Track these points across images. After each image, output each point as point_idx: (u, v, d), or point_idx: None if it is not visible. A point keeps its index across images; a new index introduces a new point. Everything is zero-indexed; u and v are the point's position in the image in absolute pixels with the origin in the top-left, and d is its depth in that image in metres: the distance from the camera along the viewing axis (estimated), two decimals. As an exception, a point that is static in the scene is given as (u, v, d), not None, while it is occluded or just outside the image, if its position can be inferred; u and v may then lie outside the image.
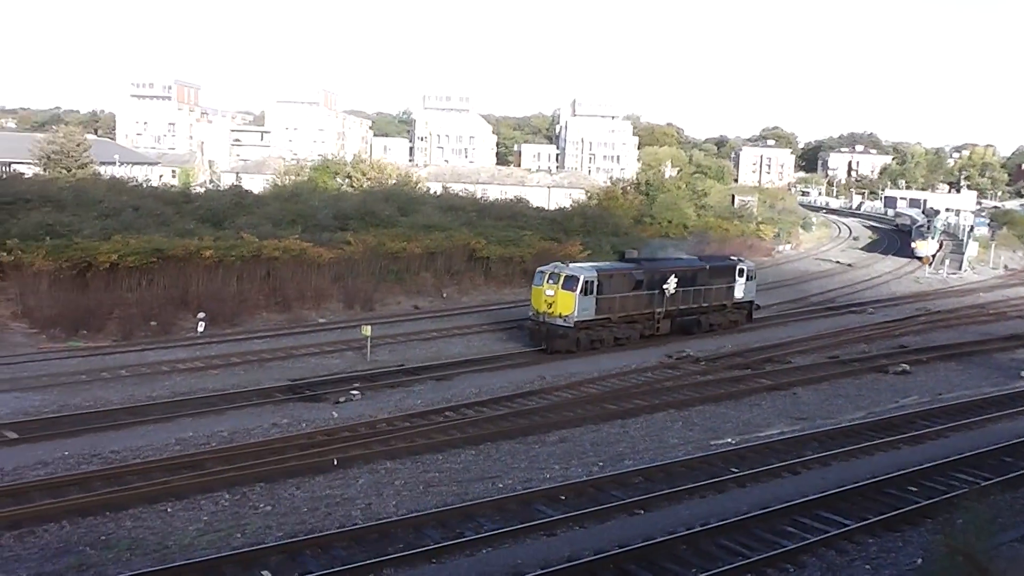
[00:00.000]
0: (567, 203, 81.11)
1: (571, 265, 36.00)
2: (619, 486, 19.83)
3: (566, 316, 33.93)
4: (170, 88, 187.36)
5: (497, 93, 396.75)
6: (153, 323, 36.41)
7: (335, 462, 20.93)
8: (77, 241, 37.79)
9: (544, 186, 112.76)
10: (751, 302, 42.42)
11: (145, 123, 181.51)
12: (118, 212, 44.19)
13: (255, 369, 30.93)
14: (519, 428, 24.61)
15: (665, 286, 37.08)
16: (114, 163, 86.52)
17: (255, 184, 79.76)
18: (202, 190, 68.83)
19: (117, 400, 26.23)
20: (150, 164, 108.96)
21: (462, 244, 49.89)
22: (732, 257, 44.08)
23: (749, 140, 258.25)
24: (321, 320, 40.76)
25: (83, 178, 60.71)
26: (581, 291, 33.84)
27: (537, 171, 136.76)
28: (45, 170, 68.72)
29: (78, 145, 74.64)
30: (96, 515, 17.56)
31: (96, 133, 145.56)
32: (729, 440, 23.93)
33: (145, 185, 61.05)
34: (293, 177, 74.27)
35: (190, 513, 17.93)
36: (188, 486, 19.12)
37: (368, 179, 73.44)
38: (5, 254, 35.54)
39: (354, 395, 27.41)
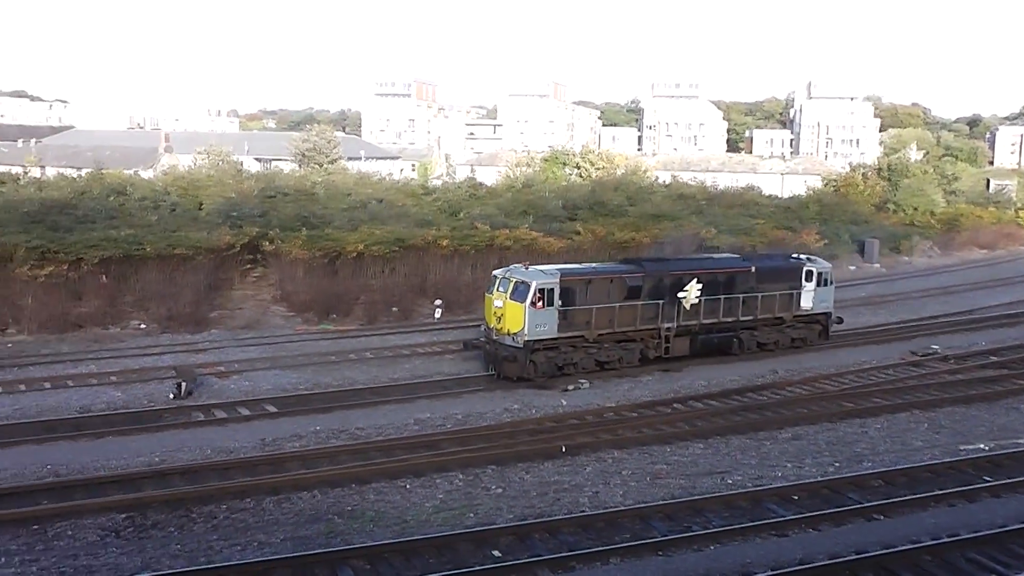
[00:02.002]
0: (801, 190, 77.95)
1: (527, 268, 28.33)
2: (856, 488, 18.89)
3: (515, 334, 27.19)
4: (410, 86, 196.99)
5: (728, 78, 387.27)
6: (395, 309, 38.57)
7: (563, 449, 21.30)
8: (328, 232, 40.61)
9: (777, 173, 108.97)
10: (827, 314, 33.60)
11: (388, 120, 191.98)
12: (364, 204, 47.06)
13: (487, 355, 32.00)
14: (750, 423, 24.01)
15: (681, 294, 29.73)
16: (360, 158, 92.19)
17: (488, 176, 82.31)
18: (439, 183, 71.89)
19: (363, 380, 28.04)
20: (392, 159, 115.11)
21: (692, 233, 49.13)
22: (798, 256, 34.91)
23: (1007, 119, 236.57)
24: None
25: (333, 172, 65.06)
26: (533, 302, 26.88)
27: (769, 157, 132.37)
28: (300, 166, 74.28)
29: (329, 142, 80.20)
30: (343, 487, 18.86)
31: (344, 131, 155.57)
32: (981, 446, 22.15)
33: (388, 178, 64.62)
34: (524, 168, 75.96)
35: (427, 490, 18.86)
36: (425, 464, 20.13)
37: (597, 169, 73.89)
38: (268, 243, 38.80)
39: (582, 384, 27.75)
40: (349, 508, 17.82)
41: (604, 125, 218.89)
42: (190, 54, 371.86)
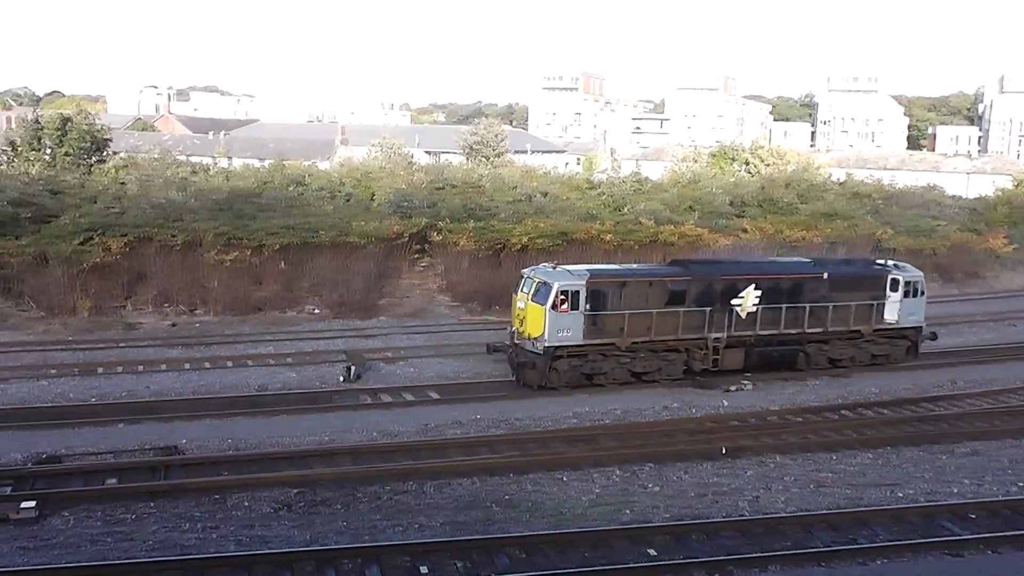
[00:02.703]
0: (989, 191, 73.09)
1: (554, 268, 26.74)
2: (1043, 511, 17.62)
3: (535, 339, 25.60)
4: (577, 80, 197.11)
5: (910, 71, 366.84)
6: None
7: (723, 450, 20.90)
8: (494, 224, 41.29)
9: (962, 172, 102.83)
10: (917, 328, 29.98)
11: (554, 113, 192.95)
12: (529, 197, 47.57)
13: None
14: (923, 435, 22.81)
15: (735, 301, 27.24)
16: (526, 151, 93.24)
17: (653, 171, 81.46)
18: (604, 177, 71.76)
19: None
20: (558, 152, 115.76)
21: (866, 234, 47.01)
22: (883, 263, 31.02)
23: None
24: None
25: (500, 165, 66.05)
26: (554, 304, 25.20)
27: (954, 156, 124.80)
28: (468, 159, 75.82)
29: (496, 136, 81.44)
30: (501, 476, 19.18)
31: (511, 124, 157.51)
32: None
33: (553, 172, 65.02)
34: (690, 164, 74.72)
35: (583, 484, 18.91)
36: (583, 458, 20.20)
37: (767, 165, 71.81)
38: (435, 234, 39.85)
39: (745, 385, 27.11)
40: (506, 497, 18.10)
41: (776, 120, 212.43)
42: (366, 51, 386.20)
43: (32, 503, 16.77)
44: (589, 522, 16.82)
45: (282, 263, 37.15)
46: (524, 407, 24.29)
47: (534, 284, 25.94)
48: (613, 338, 26.09)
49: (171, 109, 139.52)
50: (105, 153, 55.21)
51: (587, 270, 26.77)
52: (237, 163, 67.27)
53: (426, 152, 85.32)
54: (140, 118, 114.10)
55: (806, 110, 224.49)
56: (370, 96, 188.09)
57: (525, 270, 27.50)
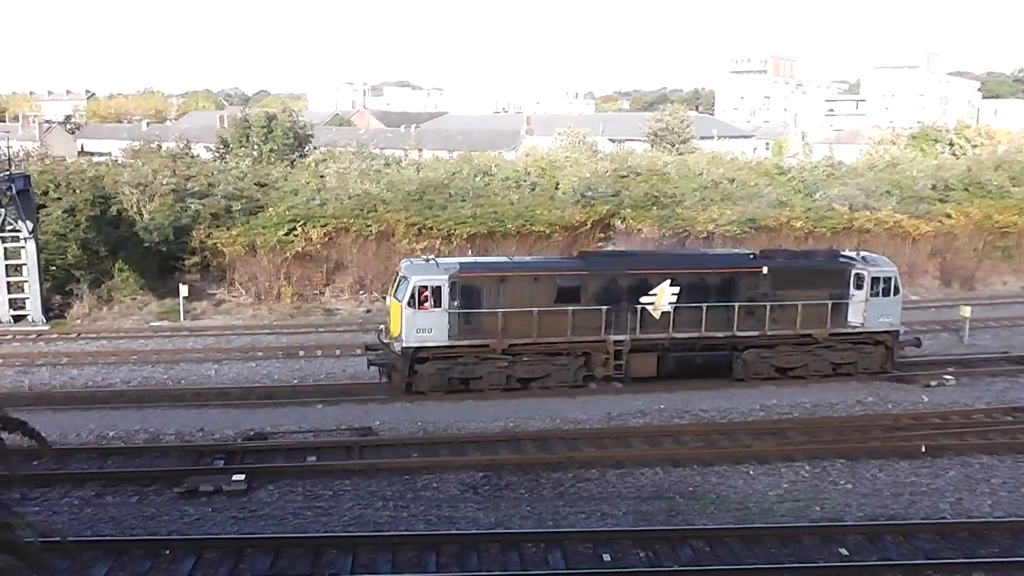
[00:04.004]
0: None
1: (427, 261, 24.58)
2: None
3: (395, 339, 23.59)
4: (766, 62, 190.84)
5: None
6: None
7: (923, 449, 19.78)
8: (679, 211, 40.74)
9: None
10: (893, 333, 25.57)
11: (742, 98, 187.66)
12: (715, 184, 46.56)
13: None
14: None
15: (645, 299, 24.29)
16: (712, 137, 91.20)
17: (847, 154, 77.78)
18: (794, 161, 69.21)
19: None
20: (745, 137, 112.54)
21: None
22: (848, 254, 26.67)
23: None
24: (914, 297, 38.55)
25: (685, 152, 64.99)
26: (411, 301, 23.07)
27: None
28: (652, 146, 75.00)
29: (681, 122, 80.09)
30: (685, 467, 18.96)
31: (697, 110, 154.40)
32: None
33: (740, 158, 63.32)
34: (888, 146, 70.81)
35: (771, 479, 18.41)
36: (770, 452, 19.66)
37: (974, 146, 67.01)
38: (619, 221, 39.73)
39: (947, 380, 25.50)
40: (691, 488, 17.88)
41: (984, 98, 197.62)
42: (551, 41, 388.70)
43: (242, 476, 18.07)
44: (777, 518, 16.39)
45: (469, 251, 37.98)
46: (710, 398, 23.86)
47: (398, 279, 24.15)
48: (487, 339, 23.56)
49: (366, 104, 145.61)
50: (306, 148, 58.47)
51: (458, 263, 24.50)
52: (427, 155, 69.42)
53: (610, 140, 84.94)
54: (337, 114, 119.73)
55: (1020, 86, 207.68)
56: (555, 85, 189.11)
57: (402, 262, 25.53)
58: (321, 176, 46.11)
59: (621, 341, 24.22)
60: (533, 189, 45.47)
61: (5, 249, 31.98)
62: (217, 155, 57.40)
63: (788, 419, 22.25)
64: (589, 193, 43.19)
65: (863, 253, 26.95)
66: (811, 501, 17.25)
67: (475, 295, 23.54)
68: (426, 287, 23.15)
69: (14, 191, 30.64)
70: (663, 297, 24.29)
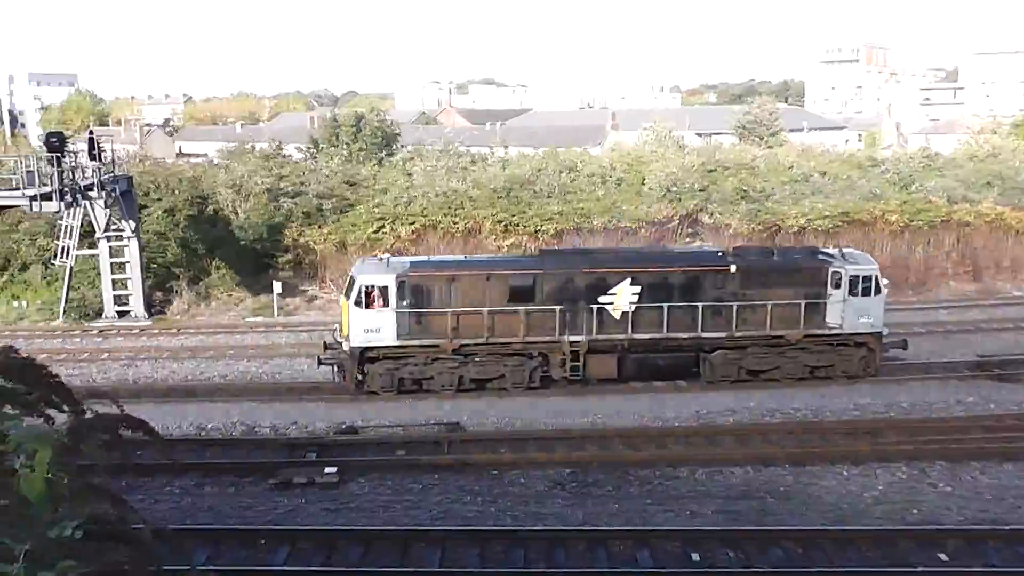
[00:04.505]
0: None
1: (380, 259, 24.62)
2: None
3: (345, 339, 23.59)
4: (859, 51, 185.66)
5: None
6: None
7: (1028, 451, 19.01)
8: (768, 205, 40.03)
9: None
10: (876, 335, 24.41)
11: (833, 88, 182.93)
12: (806, 177, 45.60)
13: (939, 340, 29.49)
14: None
15: (604, 299, 23.50)
16: (802, 129, 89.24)
17: (944, 145, 75.16)
18: (888, 153, 67.22)
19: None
20: (836, 129, 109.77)
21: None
22: (826, 252, 25.61)
23: None
24: (1017, 293, 37.12)
25: (774, 145, 63.77)
26: (358, 301, 23.01)
27: None
28: (740, 139, 73.82)
29: (770, 114, 78.65)
30: (776, 466, 18.62)
31: (786, 101, 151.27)
32: None
33: (832, 150, 61.82)
34: (988, 135, 68.18)
35: (866, 480, 17.95)
36: (865, 453, 19.15)
37: (1085, 133, 64.07)
38: (707, 216, 39.25)
39: (1055, 379, 24.48)
40: (781, 488, 17.57)
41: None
42: (636, 35, 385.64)
43: (334, 469, 18.46)
44: (872, 520, 15.98)
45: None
46: (801, 397, 23.39)
47: (349, 278, 24.00)
48: (438, 339, 23.30)
49: (452, 103, 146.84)
50: (394, 147, 59.28)
51: (409, 262, 24.37)
52: (512, 152, 69.67)
53: (697, 134, 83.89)
54: (424, 112, 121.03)
55: None
56: (640, 80, 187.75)
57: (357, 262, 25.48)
58: (409, 174, 46.75)
59: (577, 342, 23.64)
60: (619, 185, 45.25)
61: (110, 248, 33.29)
62: (308, 155, 58.65)
63: (884, 419, 21.64)
64: (675, 188, 42.77)
65: (844, 250, 25.68)
66: (908, 504, 16.75)
67: (424, 295, 23.34)
68: (373, 287, 23.08)
69: (118, 192, 31.90)
70: (623, 296, 23.57)
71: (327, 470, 18.44)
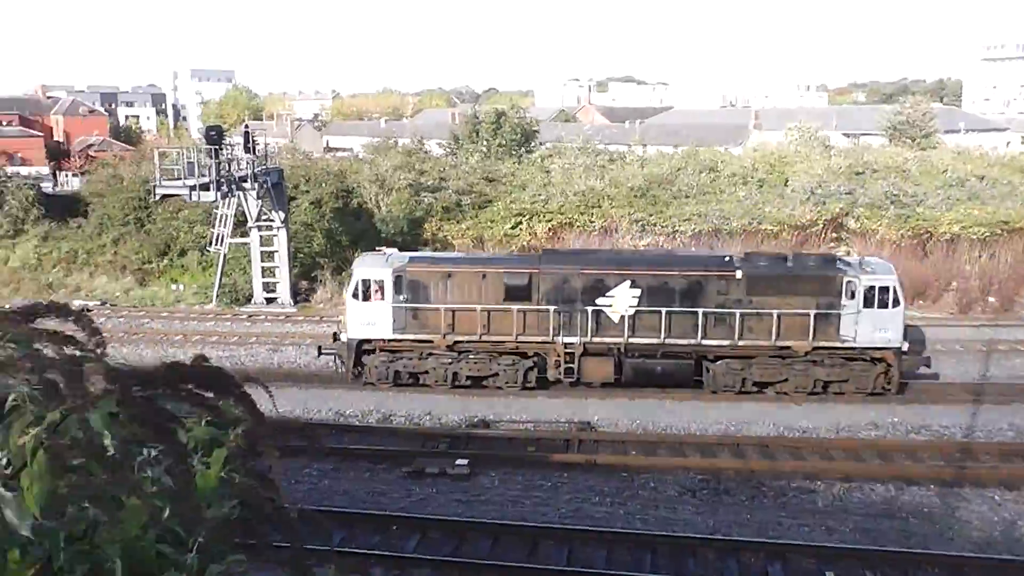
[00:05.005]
0: None
1: (382, 253, 24.68)
2: None
3: (345, 331, 23.92)
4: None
5: None
6: (991, 299, 34.98)
7: None
8: (920, 211, 38.24)
9: None
10: (896, 351, 22.63)
11: (994, 87, 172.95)
12: (962, 182, 43.32)
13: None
14: None
15: (602, 301, 22.78)
16: (959, 131, 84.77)
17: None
18: (1056, 157, 63.07)
19: (950, 374, 25.82)
20: (998, 130, 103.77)
21: None
22: (844, 260, 24.46)
23: None
24: None
25: (928, 147, 60.88)
26: (356, 294, 23.41)
27: None
28: (891, 141, 70.73)
29: (924, 115, 74.95)
30: (922, 486, 17.78)
31: (942, 101, 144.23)
32: None
33: (992, 153, 58.52)
34: None
35: (1021, 507, 16.93)
36: (1021, 477, 18.06)
37: None
38: (853, 221, 37.85)
39: None
40: (926, 510, 16.77)
41: None
42: (781, 31, 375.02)
43: (465, 461, 18.75)
44: (1025, 549, 15.05)
45: (692, 249, 37.44)
46: (950, 414, 22.24)
47: (351, 272, 24.53)
48: (432, 335, 23.34)
49: (591, 100, 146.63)
50: (533, 143, 59.64)
51: (409, 257, 24.58)
52: (651, 150, 69.01)
53: (844, 135, 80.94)
54: (563, 110, 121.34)
55: None
56: (785, 78, 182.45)
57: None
58: (547, 171, 46.95)
59: (572, 344, 23.19)
60: (761, 186, 44.15)
61: (261, 237, 34.77)
62: (448, 151, 59.71)
63: (1043, 442, 20.36)
64: (820, 191, 41.39)
65: (863, 259, 24.46)
66: (1068, 534, 15.73)
67: (420, 289, 23.48)
68: (369, 280, 23.38)
69: (270, 184, 33.27)
70: (621, 299, 22.97)
71: (458, 462, 18.74)
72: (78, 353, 2.32)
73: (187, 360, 2.16)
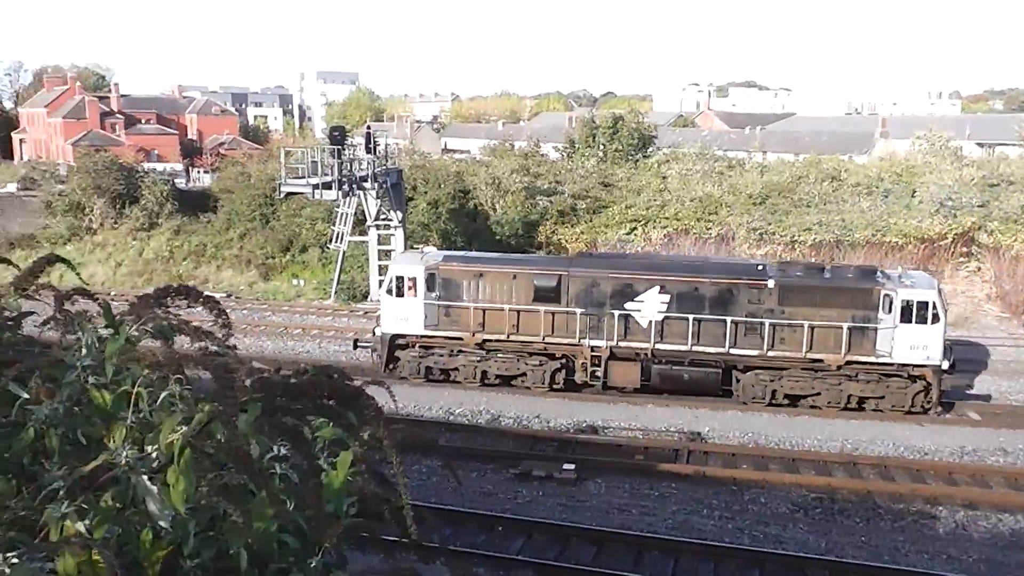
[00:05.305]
0: None
1: (410, 252, 25.97)
2: None
3: (379, 325, 24.63)
4: None
5: None
6: None
7: None
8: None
9: None
10: (935, 369, 21.51)
11: None
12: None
13: None
14: None
15: (631, 305, 22.59)
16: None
17: None
18: None
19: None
20: None
21: None
22: (883, 272, 23.16)
23: None
24: None
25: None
26: (389, 289, 24.19)
27: None
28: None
29: (1068, 124, 70.91)
30: (1054, 517, 16.85)
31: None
32: None
33: None
34: None
35: None
36: None
37: None
38: (986, 236, 36.16)
39: None
40: (1059, 544, 15.87)
41: None
42: (912, 35, 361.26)
43: (572, 466, 18.72)
44: None
45: (812, 259, 36.47)
46: (1088, 442, 20.97)
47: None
48: (461, 332, 23.79)
49: (710, 105, 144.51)
50: (650, 149, 59.13)
51: (441, 255, 24.98)
52: (771, 157, 67.48)
53: (977, 144, 77.45)
54: (682, 115, 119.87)
55: None
56: (915, 84, 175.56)
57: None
58: (663, 177, 46.48)
59: (599, 348, 23.20)
60: (886, 197, 42.59)
61: (379, 236, 35.57)
62: (564, 155, 59.77)
63: None
64: (951, 203, 39.65)
65: (904, 271, 23.73)
66: None
67: (453, 287, 23.90)
68: (403, 277, 23.98)
69: (389, 184, 34.01)
70: (650, 305, 22.79)
71: (565, 466, 18.73)
72: (213, 348, 2.43)
73: (320, 366, 2.23)
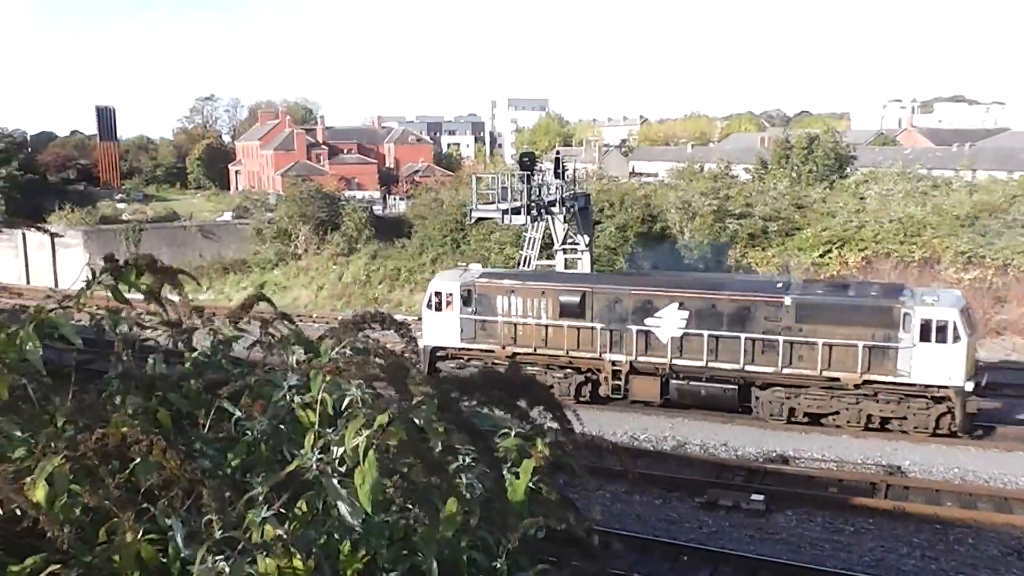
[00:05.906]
0: None
1: (454, 269, 27.32)
2: None
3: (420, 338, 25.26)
4: None
5: None
6: None
7: None
8: None
9: None
10: (957, 389, 20.15)
11: None
12: None
13: None
14: None
15: (651, 321, 22.91)
16: None
17: None
18: None
19: None
20: None
21: None
22: (905, 290, 22.13)
23: None
24: None
25: None
26: (429, 304, 25.60)
27: None
28: None
29: None
30: None
31: None
32: None
33: None
34: None
35: None
36: None
37: None
38: None
39: None
40: None
41: None
42: None
43: (761, 496, 18.18)
44: None
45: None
46: None
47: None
48: (493, 345, 24.79)
49: (913, 122, 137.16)
50: (847, 169, 56.78)
51: (482, 272, 26.44)
52: (981, 176, 63.19)
53: None
54: (882, 132, 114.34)
55: None
56: None
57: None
58: (861, 198, 44.46)
59: (619, 362, 23.82)
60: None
61: (566, 260, 35.92)
62: (756, 176, 58.33)
63: None
64: None
65: (929, 290, 23.65)
66: None
67: (487, 303, 25.11)
68: (441, 292, 25.37)
69: (576, 208, 34.34)
70: (669, 321, 23.20)
71: (754, 496, 18.22)
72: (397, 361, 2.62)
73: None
